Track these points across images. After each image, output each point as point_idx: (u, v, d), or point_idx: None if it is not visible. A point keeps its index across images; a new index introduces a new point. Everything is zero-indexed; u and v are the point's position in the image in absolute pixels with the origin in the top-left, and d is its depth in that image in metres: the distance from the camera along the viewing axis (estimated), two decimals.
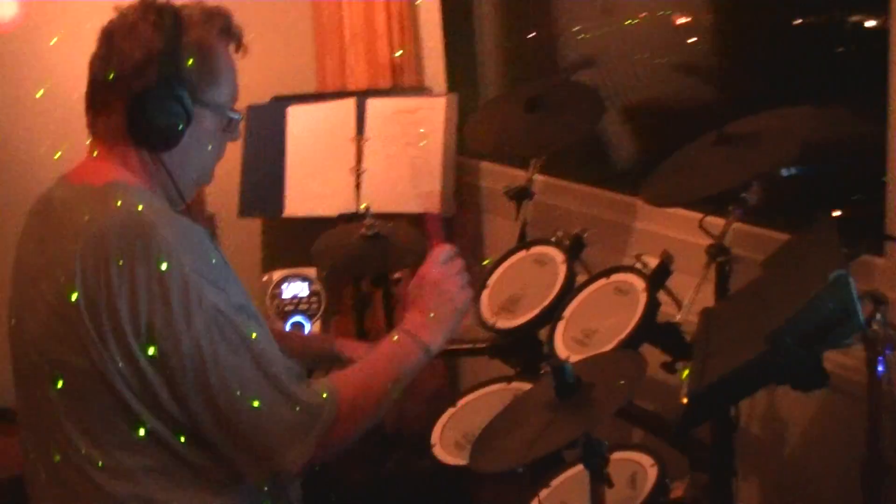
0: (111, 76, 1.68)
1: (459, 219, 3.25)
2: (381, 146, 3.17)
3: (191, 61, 1.70)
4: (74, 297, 1.55)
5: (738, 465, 2.06)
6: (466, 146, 3.18)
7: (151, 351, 1.54)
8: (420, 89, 3.36)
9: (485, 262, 2.41)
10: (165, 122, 1.69)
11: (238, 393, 1.58)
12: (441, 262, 1.99)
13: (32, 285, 1.65)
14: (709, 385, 1.58)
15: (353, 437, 1.76)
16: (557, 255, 2.40)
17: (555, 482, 1.95)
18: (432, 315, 1.91)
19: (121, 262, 1.54)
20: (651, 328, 2.07)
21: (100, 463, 1.61)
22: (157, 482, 1.63)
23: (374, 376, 1.81)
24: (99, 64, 1.71)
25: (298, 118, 3.22)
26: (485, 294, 2.45)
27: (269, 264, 3.09)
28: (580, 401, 1.47)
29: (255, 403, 1.58)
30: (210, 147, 1.79)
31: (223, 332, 1.58)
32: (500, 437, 1.61)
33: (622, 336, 2.05)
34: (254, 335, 1.61)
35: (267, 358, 1.62)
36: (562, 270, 2.36)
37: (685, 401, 1.59)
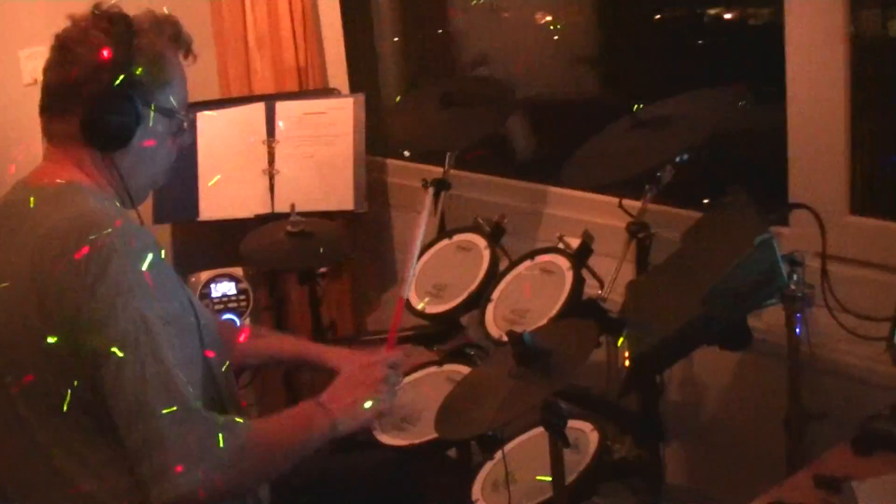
0: (67, 82, 1.72)
1: (367, 215, 3.32)
2: (293, 148, 3.24)
3: (141, 68, 1.75)
4: (26, 293, 1.59)
5: (666, 430, 2.22)
6: (376, 144, 3.28)
7: (86, 341, 1.56)
8: (327, 91, 3.43)
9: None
10: (118, 123, 1.74)
11: (144, 398, 1.56)
12: (385, 364, 2.07)
13: None
14: (651, 347, 1.71)
15: (243, 483, 1.73)
16: (480, 241, 2.52)
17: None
18: (351, 400, 1.96)
19: (66, 258, 1.57)
20: (578, 304, 2.19)
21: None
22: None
23: (284, 432, 1.83)
24: (54, 70, 1.75)
25: (208, 123, 3.26)
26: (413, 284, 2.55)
27: (185, 268, 3.12)
28: (541, 367, 1.58)
29: (164, 411, 1.56)
30: (161, 150, 1.84)
31: (138, 341, 1.57)
32: (466, 407, 1.71)
33: (552, 313, 2.17)
34: (168, 354, 1.60)
35: (174, 376, 1.60)
36: (486, 255, 2.47)
37: (627, 363, 1.72)
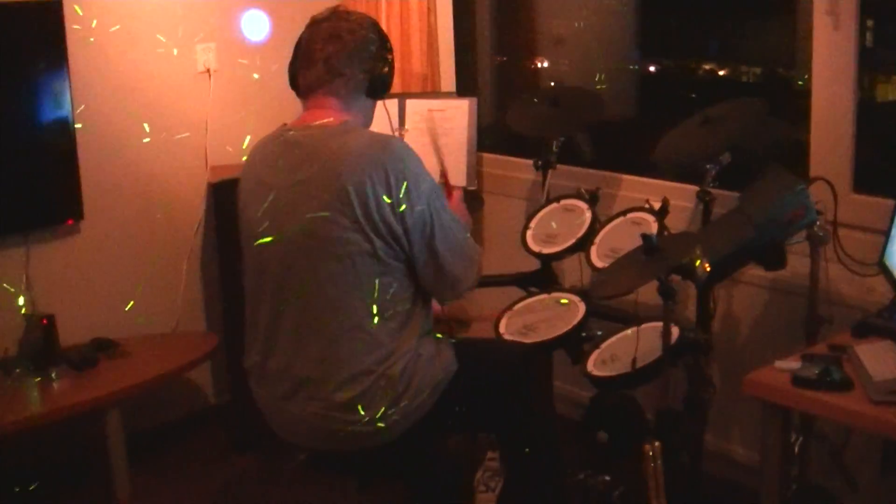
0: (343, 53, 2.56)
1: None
2: (419, 136, 4.13)
3: (376, 45, 2.60)
4: (345, 192, 2.40)
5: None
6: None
7: (402, 208, 2.40)
8: (447, 94, 4.34)
9: None
10: (388, 78, 2.63)
11: (446, 234, 2.50)
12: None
13: (299, 192, 2.46)
14: (723, 256, 2.61)
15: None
16: (582, 204, 3.43)
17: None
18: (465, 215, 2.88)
19: (376, 167, 2.40)
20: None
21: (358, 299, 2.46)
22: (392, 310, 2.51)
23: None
24: (330, 47, 2.55)
25: None
26: (528, 234, 3.46)
27: None
28: (656, 257, 2.50)
29: (457, 238, 2.54)
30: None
31: (435, 202, 2.48)
32: (613, 278, 2.64)
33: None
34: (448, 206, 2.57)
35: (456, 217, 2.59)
36: (588, 214, 3.38)
37: (707, 268, 2.59)
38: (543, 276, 3.54)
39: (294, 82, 2.65)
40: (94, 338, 3.64)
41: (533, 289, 3.50)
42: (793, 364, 2.41)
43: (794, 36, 3.50)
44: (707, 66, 3.97)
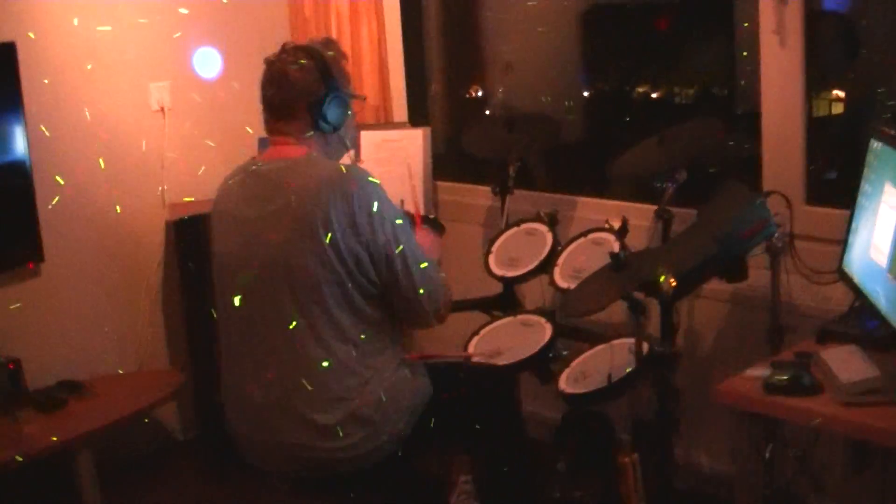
0: (291, 95, 2.60)
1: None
2: (373, 166, 4.18)
3: (334, 75, 2.64)
4: (311, 221, 2.44)
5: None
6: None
7: (367, 236, 2.45)
8: (401, 123, 4.39)
9: None
10: (337, 114, 2.65)
11: (411, 261, 2.54)
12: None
13: (266, 223, 2.51)
14: (687, 271, 2.68)
15: None
16: (542, 227, 3.49)
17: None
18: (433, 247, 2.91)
19: (340, 196, 2.45)
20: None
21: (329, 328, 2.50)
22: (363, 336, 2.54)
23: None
24: (277, 89, 2.60)
25: None
26: (490, 258, 3.51)
27: None
28: (628, 273, 2.57)
29: (423, 265, 2.57)
30: (352, 119, 2.74)
31: (400, 230, 2.52)
32: (583, 296, 2.70)
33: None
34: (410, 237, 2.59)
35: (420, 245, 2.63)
36: (549, 236, 3.45)
37: (673, 283, 2.66)
38: (506, 300, 3.60)
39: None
40: (61, 380, 3.62)
41: (496, 312, 3.55)
42: (763, 371, 2.48)
43: (734, 57, 3.66)
44: (647, 89, 4.09)
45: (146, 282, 4.14)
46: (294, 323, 2.50)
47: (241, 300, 2.58)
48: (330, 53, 2.70)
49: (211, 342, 3.77)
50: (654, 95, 4.03)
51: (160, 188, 4.13)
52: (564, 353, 3.23)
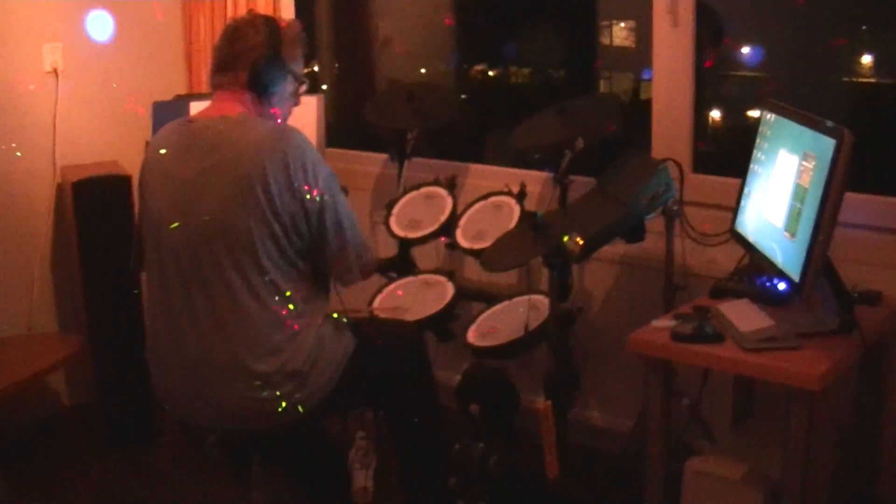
0: (234, 51, 2.64)
1: None
2: None
3: (283, 49, 2.73)
4: (248, 179, 2.49)
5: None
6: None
7: (302, 194, 2.50)
8: None
9: None
10: (270, 80, 2.71)
11: (342, 216, 2.62)
12: None
13: (202, 180, 2.55)
14: (595, 232, 2.85)
15: None
16: (441, 191, 3.62)
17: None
18: None
19: (277, 154, 2.51)
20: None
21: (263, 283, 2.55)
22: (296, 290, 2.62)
23: None
24: (227, 44, 2.65)
25: (198, 110, 4.19)
26: (391, 220, 3.62)
27: None
28: (544, 234, 2.73)
29: (350, 222, 2.66)
30: (291, 99, 2.80)
31: (333, 188, 2.60)
32: (502, 253, 2.84)
33: (509, 229, 3.28)
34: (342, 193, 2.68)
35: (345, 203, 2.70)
36: (448, 199, 3.57)
37: (580, 242, 2.83)
38: (402, 262, 3.71)
39: None
40: None
41: (392, 274, 3.66)
42: (669, 322, 2.68)
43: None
44: (519, 69, 4.32)
45: (37, 244, 4.10)
46: (229, 277, 2.56)
47: (175, 256, 2.62)
48: (287, 30, 2.76)
49: (111, 306, 3.81)
50: (523, 74, 4.25)
51: (52, 150, 4.08)
52: (458, 312, 3.36)
